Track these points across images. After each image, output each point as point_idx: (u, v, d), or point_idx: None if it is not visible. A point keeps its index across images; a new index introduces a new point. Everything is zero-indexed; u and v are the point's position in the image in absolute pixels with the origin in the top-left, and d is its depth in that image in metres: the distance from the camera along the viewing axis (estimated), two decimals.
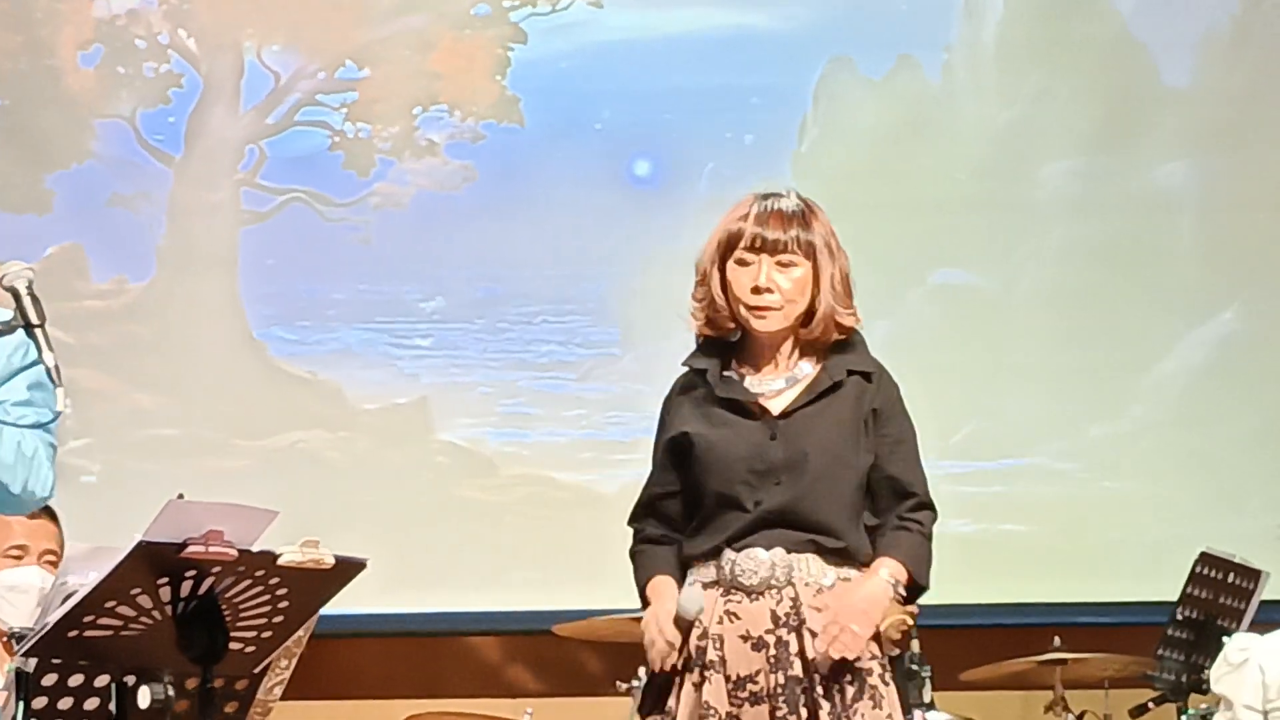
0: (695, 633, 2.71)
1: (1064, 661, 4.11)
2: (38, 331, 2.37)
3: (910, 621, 3.69)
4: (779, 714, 2.73)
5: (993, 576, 4.42)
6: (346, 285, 4.24)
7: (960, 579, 4.02)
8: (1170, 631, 4.05)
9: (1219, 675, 3.50)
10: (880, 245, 4.07)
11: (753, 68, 4.43)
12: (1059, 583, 4.38)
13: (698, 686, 2.73)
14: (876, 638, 2.75)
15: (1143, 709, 4.05)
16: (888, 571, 2.62)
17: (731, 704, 2.74)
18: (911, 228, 4.40)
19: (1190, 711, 3.94)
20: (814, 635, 2.64)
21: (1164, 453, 4.54)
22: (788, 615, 2.67)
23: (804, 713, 2.74)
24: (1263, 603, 3.88)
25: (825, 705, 2.73)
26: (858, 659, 2.67)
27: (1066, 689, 4.17)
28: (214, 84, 4.28)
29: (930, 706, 4.03)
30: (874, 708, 2.73)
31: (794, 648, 2.70)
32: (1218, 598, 4.02)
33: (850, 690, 2.73)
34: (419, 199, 4.34)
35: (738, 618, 2.66)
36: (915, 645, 4.00)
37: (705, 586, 2.66)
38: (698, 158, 4.33)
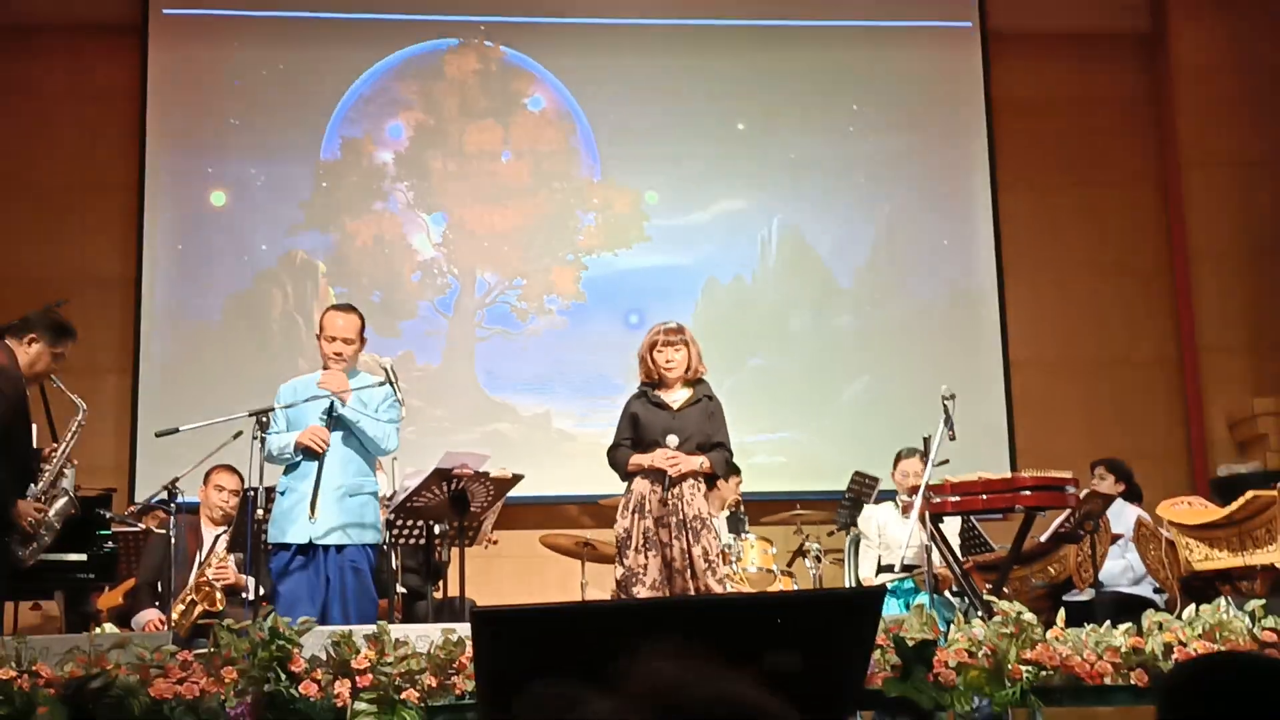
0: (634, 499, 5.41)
1: (800, 514, 7.81)
2: (392, 388, 5.66)
3: (738, 495, 7.41)
4: (671, 535, 5.39)
5: (769, 478, 8.68)
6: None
7: (767, 481, 8.64)
8: (843, 501, 7.41)
9: (861, 519, 7.03)
10: (735, 351, 9.34)
11: (663, 276, 9.65)
12: (803, 484, 8.76)
13: (640, 520, 5.39)
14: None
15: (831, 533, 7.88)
16: (702, 461, 5.44)
17: (658, 529, 5.41)
18: (743, 348, 9.53)
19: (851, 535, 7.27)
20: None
21: (839, 435, 9.22)
22: (678, 489, 5.45)
23: (686, 536, 5.44)
24: (881, 491, 7.19)
25: (690, 533, 5.38)
26: (701, 512, 5.37)
27: (803, 524, 7.79)
28: (464, 286, 9.32)
29: (746, 532, 7.09)
30: (708, 533, 5.40)
31: (679, 505, 5.39)
32: (860, 489, 7.29)
33: (699, 526, 5.42)
34: (549, 332, 9.25)
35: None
36: (741, 507, 7.26)
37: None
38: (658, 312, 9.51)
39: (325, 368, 5.57)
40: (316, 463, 5.32)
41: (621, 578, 5.42)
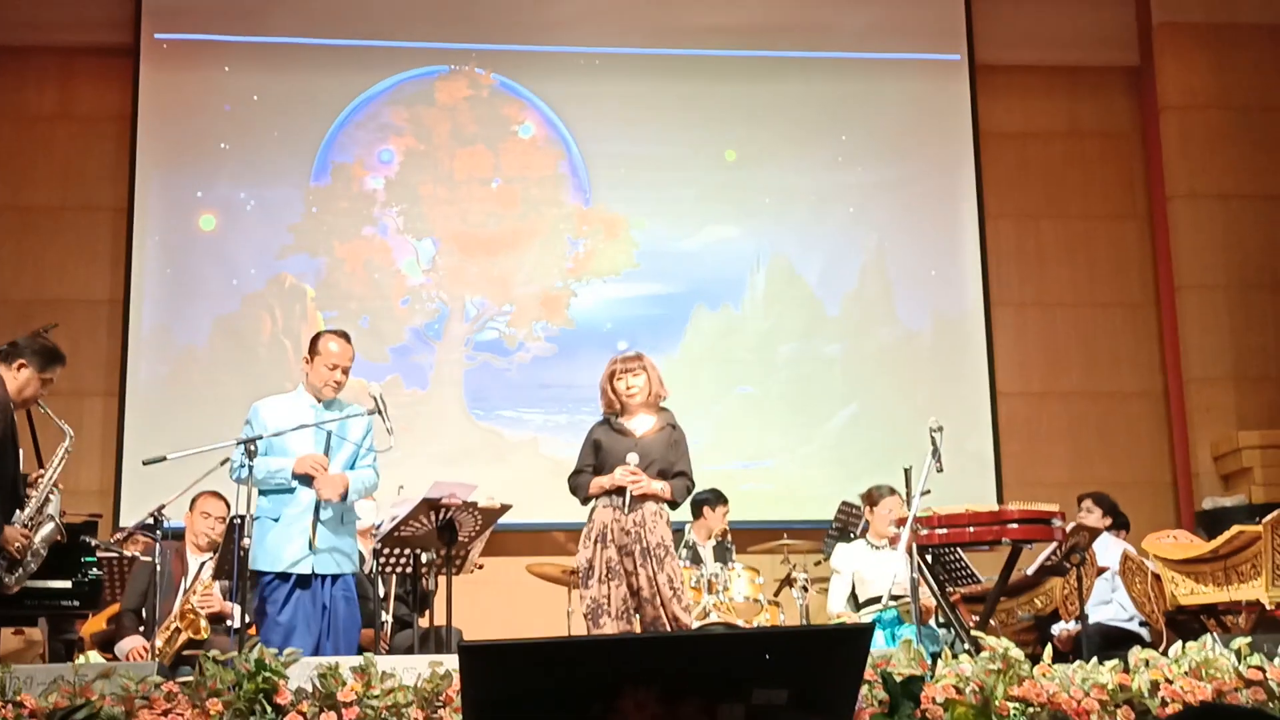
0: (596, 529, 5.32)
1: (787, 543, 7.66)
2: (381, 417, 5.44)
3: (725, 524, 7.47)
4: (635, 564, 5.30)
5: (756, 507, 8.71)
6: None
7: (754, 510, 8.65)
8: (830, 531, 7.56)
9: (834, 557, 6.92)
10: (725, 380, 9.37)
11: (652, 303, 9.54)
12: (790, 512, 8.78)
13: (603, 550, 5.36)
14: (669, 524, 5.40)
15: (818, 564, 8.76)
16: (664, 486, 5.47)
17: (621, 558, 5.35)
18: (731, 376, 9.63)
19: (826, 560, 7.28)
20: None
21: (826, 462, 9.22)
22: (640, 516, 5.40)
23: (651, 564, 5.37)
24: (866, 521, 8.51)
25: (654, 560, 5.35)
26: (664, 539, 5.32)
27: (790, 554, 7.65)
28: (453, 312, 9.33)
29: (734, 561, 7.02)
30: (671, 560, 5.39)
31: (641, 532, 5.33)
32: (847, 518, 7.45)
33: (662, 554, 5.38)
34: (537, 358, 9.22)
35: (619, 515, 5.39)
36: (728, 536, 7.31)
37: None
38: (647, 340, 9.52)
39: (319, 392, 5.52)
40: (313, 490, 5.30)
41: (587, 609, 5.40)
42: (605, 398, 5.66)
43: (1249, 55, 9.64)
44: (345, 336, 5.63)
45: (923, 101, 9.74)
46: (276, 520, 5.31)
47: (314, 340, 5.61)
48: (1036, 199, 9.86)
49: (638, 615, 5.46)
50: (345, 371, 5.53)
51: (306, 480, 5.33)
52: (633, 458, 5.47)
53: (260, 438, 5.27)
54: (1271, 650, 4.46)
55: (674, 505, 5.63)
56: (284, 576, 5.26)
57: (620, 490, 5.46)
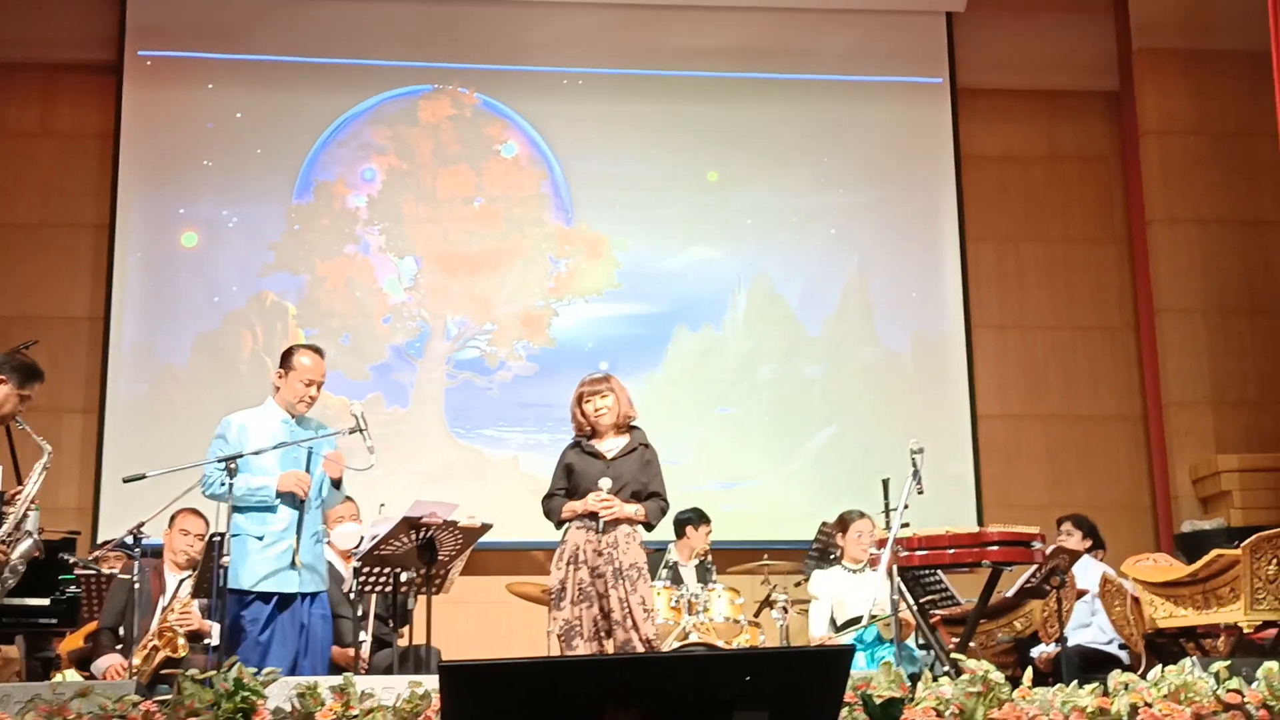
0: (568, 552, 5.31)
1: (768, 564, 7.65)
2: (362, 435, 5.44)
3: (708, 544, 7.55)
4: (608, 585, 5.28)
5: (737, 527, 8.60)
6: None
7: (734, 530, 8.52)
8: (810, 551, 7.48)
9: (811, 584, 6.89)
10: (705, 402, 9.38)
11: (633, 323, 9.48)
12: (770, 533, 8.76)
13: (575, 572, 5.36)
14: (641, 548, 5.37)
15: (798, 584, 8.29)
16: (637, 509, 5.44)
17: (593, 579, 5.32)
18: (712, 396, 9.67)
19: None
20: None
21: (806, 483, 9.18)
22: (613, 538, 5.39)
23: (623, 586, 5.33)
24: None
25: (626, 582, 5.31)
26: (637, 561, 5.33)
27: (770, 574, 7.64)
28: (435, 330, 9.30)
29: (714, 582, 6.99)
30: (644, 583, 5.36)
31: (613, 554, 5.31)
32: (827, 539, 7.23)
33: (635, 575, 5.35)
34: (518, 378, 9.19)
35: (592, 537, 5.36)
36: (709, 556, 7.34)
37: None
38: (628, 360, 9.54)
39: (292, 408, 5.48)
40: (297, 509, 5.27)
41: (560, 631, 5.40)
42: (575, 420, 5.66)
43: (1227, 81, 9.71)
44: (319, 352, 5.59)
45: (904, 124, 9.79)
46: (260, 539, 5.26)
47: (287, 355, 5.56)
48: (1017, 222, 9.91)
49: (609, 638, 5.43)
50: (319, 387, 5.51)
51: (289, 498, 5.28)
52: (605, 483, 5.46)
53: (240, 455, 5.22)
54: (1250, 674, 4.48)
55: (649, 527, 5.60)
56: (265, 596, 5.22)
57: (594, 514, 5.45)
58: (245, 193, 9.23)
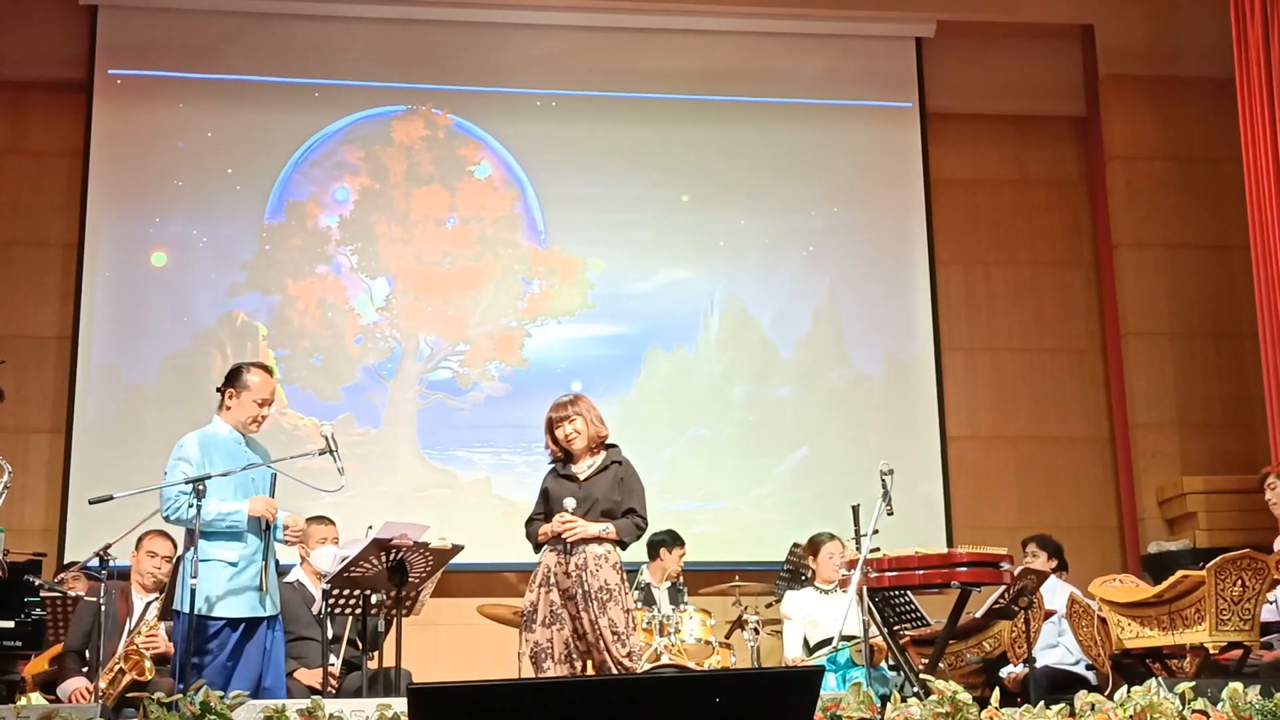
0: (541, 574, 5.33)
1: (739, 585, 7.62)
2: (332, 457, 5.38)
3: (679, 568, 7.58)
4: (579, 608, 5.27)
5: (708, 548, 8.62)
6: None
7: (706, 551, 8.48)
8: (781, 572, 7.56)
9: (784, 605, 7.04)
10: (678, 422, 9.39)
11: (606, 344, 9.48)
12: (742, 554, 8.79)
13: (546, 594, 5.35)
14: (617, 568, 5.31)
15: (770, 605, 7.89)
16: (605, 528, 5.39)
17: (564, 602, 5.32)
18: (684, 417, 9.50)
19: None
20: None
21: (778, 505, 9.20)
22: (582, 559, 5.36)
23: (592, 609, 5.27)
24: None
25: (595, 604, 5.28)
26: (607, 583, 5.27)
27: (742, 595, 7.60)
28: (407, 351, 9.28)
29: (685, 603, 7.21)
30: (615, 605, 5.31)
31: (582, 576, 5.30)
32: (799, 560, 7.39)
33: (605, 598, 5.30)
34: (490, 398, 9.17)
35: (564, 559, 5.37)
36: (680, 577, 7.52)
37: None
38: (601, 381, 9.53)
39: (244, 428, 5.44)
40: (265, 534, 5.24)
41: (532, 653, 5.41)
42: (548, 446, 5.68)
43: (1193, 108, 9.84)
44: (269, 369, 5.55)
45: (875, 148, 9.86)
46: (235, 564, 5.20)
47: (235, 374, 5.46)
48: (986, 245, 9.99)
49: (587, 659, 5.45)
50: (270, 406, 5.46)
51: (255, 522, 5.25)
52: (569, 503, 5.45)
53: (209, 476, 5.19)
54: (1215, 694, 4.52)
55: (623, 545, 5.55)
56: (234, 622, 5.18)
57: (562, 539, 5.45)
58: (216, 212, 9.21)
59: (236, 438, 5.40)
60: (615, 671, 5.20)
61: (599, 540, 5.44)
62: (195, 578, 5.07)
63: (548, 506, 5.58)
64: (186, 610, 5.07)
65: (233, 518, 5.19)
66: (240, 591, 5.19)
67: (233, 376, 5.45)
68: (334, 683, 6.15)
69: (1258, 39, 8.10)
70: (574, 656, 5.37)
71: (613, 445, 5.67)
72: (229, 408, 5.42)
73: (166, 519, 5.23)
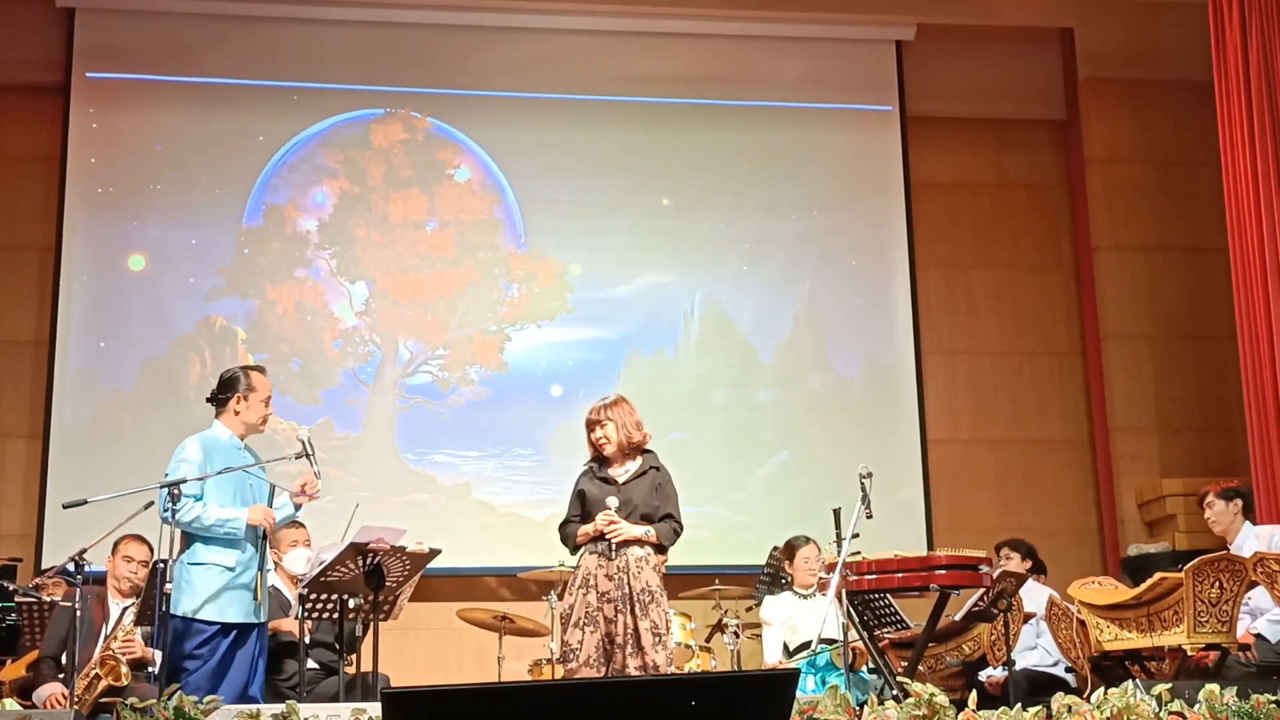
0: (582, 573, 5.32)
1: (719, 589, 7.71)
2: (309, 461, 5.39)
3: (662, 571, 8.66)
4: (616, 610, 5.25)
5: (688, 552, 8.67)
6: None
7: (685, 555, 8.82)
8: (761, 576, 7.54)
9: (763, 610, 6.99)
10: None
11: (586, 348, 9.40)
12: (721, 558, 8.70)
13: (584, 596, 5.35)
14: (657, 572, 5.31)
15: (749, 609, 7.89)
16: (647, 530, 5.39)
17: (601, 604, 5.29)
18: (664, 421, 9.56)
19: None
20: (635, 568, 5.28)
21: (758, 509, 9.19)
22: (624, 562, 5.36)
23: (633, 611, 5.28)
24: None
25: (638, 606, 5.29)
26: (649, 585, 5.26)
27: (721, 599, 7.71)
28: (386, 355, 9.27)
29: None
30: (657, 608, 5.30)
31: (625, 579, 5.29)
32: (779, 564, 7.27)
33: (647, 600, 5.31)
34: (470, 402, 9.14)
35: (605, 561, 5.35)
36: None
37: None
38: (580, 385, 9.49)
39: (255, 429, 5.49)
40: (262, 543, 5.26)
41: (561, 655, 5.39)
42: (590, 448, 5.64)
43: (1171, 111, 9.88)
44: (264, 370, 5.63)
45: (855, 151, 9.87)
46: (231, 569, 5.20)
47: (240, 377, 5.49)
48: (966, 249, 10.01)
49: (609, 663, 5.38)
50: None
51: (252, 532, 5.25)
52: (613, 502, 5.42)
53: (204, 477, 5.17)
54: (1192, 696, 4.53)
55: (661, 549, 5.54)
56: (227, 627, 5.17)
57: (603, 537, 5.41)
58: (194, 216, 9.17)
59: (236, 443, 5.41)
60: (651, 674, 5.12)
61: (640, 543, 5.43)
62: (187, 581, 5.09)
63: (584, 508, 5.55)
64: (178, 613, 5.06)
65: (231, 524, 5.18)
66: (235, 597, 5.19)
67: (234, 382, 5.47)
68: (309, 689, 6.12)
69: (1236, 43, 8.13)
70: (600, 660, 5.32)
71: (649, 450, 5.67)
72: (237, 411, 5.44)
73: (165, 521, 5.17)
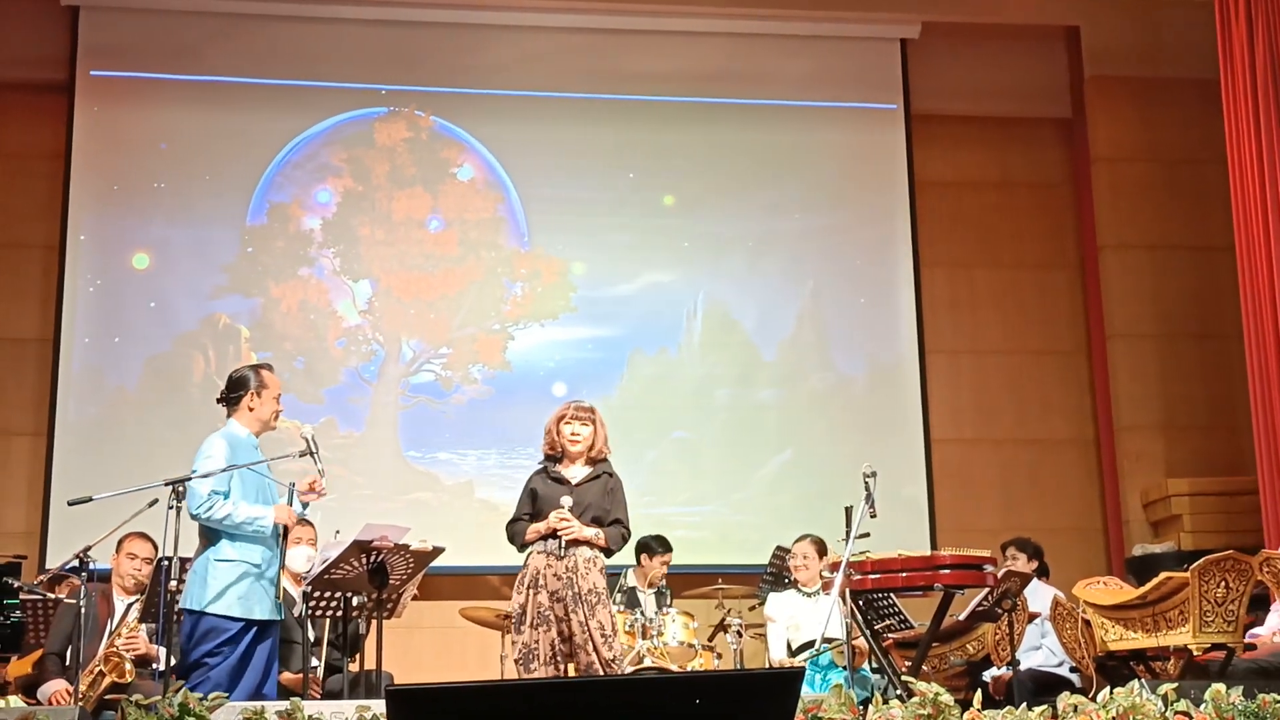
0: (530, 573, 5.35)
1: (722, 588, 7.67)
2: (313, 459, 5.43)
3: (662, 574, 7.58)
4: (567, 609, 5.33)
5: (691, 551, 8.49)
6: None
7: (689, 554, 8.39)
8: (764, 575, 7.65)
9: (767, 607, 6.99)
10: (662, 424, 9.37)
11: (589, 347, 9.38)
12: (725, 557, 8.75)
13: (535, 595, 5.39)
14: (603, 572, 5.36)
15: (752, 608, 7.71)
16: (597, 533, 5.43)
17: (552, 603, 5.37)
18: (667, 420, 9.39)
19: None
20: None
21: (761, 508, 9.16)
22: (573, 562, 5.42)
23: (582, 610, 5.36)
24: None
25: (584, 606, 5.34)
26: (596, 586, 5.33)
27: (725, 598, 7.64)
28: (389, 354, 9.21)
29: (669, 606, 7.26)
30: (604, 608, 5.36)
31: (573, 579, 5.37)
32: (782, 563, 7.38)
33: (594, 600, 5.40)
34: (473, 401, 9.14)
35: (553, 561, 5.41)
36: (664, 582, 7.57)
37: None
38: (584, 383, 9.29)
39: (268, 425, 5.48)
40: (282, 541, 5.28)
41: (519, 655, 5.40)
42: (548, 438, 5.64)
43: (1176, 110, 9.85)
44: (271, 367, 5.62)
45: (859, 150, 9.85)
46: (258, 566, 5.20)
47: (250, 375, 5.45)
48: (970, 248, 9.99)
49: (571, 661, 5.44)
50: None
51: (275, 530, 5.26)
52: (566, 500, 5.47)
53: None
54: (1198, 696, 4.51)
55: (608, 553, 5.60)
56: (250, 624, 5.17)
57: (554, 535, 5.45)
58: (198, 214, 9.16)
59: (253, 440, 5.41)
60: (602, 672, 5.19)
61: (589, 544, 5.47)
62: (213, 577, 5.09)
63: (535, 507, 5.57)
64: (199, 608, 5.07)
65: (259, 522, 5.19)
66: (260, 594, 5.20)
67: (245, 380, 5.43)
68: (315, 688, 6.11)
69: (1242, 40, 8.11)
70: (559, 658, 5.39)
71: (605, 460, 5.69)
72: (251, 409, 5.41)
73: (194, 518, 5.15)
